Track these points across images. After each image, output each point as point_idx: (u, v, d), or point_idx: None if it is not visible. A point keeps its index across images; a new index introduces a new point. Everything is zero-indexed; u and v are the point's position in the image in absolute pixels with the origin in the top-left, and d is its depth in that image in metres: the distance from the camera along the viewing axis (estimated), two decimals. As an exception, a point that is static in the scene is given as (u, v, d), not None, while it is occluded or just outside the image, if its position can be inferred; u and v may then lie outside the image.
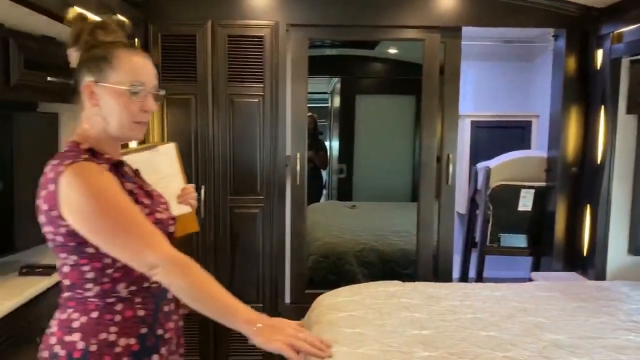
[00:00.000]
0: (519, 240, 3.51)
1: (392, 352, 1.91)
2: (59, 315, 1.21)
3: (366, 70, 5.48)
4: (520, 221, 3.47)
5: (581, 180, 3.09)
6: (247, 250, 3.10)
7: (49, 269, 2.26)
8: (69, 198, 1.09)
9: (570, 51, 3.07)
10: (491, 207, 3.51)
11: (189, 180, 1.63)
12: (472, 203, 3.83)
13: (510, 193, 3.44)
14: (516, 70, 4.22)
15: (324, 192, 5.96)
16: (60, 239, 1.13)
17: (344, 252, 3.66)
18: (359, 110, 5.41)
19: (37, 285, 2.11)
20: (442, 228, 3.23)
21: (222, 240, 3.08)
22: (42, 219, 1.15)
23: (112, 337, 1.16)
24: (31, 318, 2.11)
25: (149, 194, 1.28)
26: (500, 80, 4.22)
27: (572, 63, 3.07)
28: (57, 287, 2.29)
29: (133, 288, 1.18)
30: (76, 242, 1.13)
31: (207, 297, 1.09)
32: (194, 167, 2.99)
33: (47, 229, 1.15)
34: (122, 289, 1.17)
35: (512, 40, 3.96)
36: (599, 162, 2.93)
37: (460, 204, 3.88)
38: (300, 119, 3.11)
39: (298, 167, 3.10)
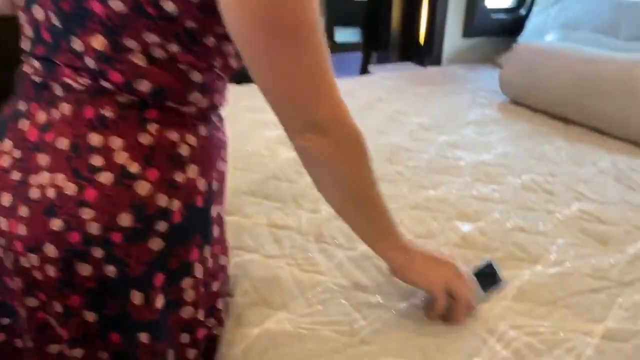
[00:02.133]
0: (354, 35, 3.27)
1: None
2: (126, 139, 0.63)
3: None
4: (355, 13, 3.19)
5: (420, -39, 2.84)
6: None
7: None
8: None
9: None
10: (325, -3, 3.12)
11: None
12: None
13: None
14: None
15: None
16: (172, 7, 0.58)
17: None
18: None
19: None
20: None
21: None
22: None
23: (223, 167, 0.75)
24: None
25: None
26: None
27: None
28: None
29: (224, 102, 0.75)
30: (200, 23, 0.60)
31: (370, 204, 0.74)
32: None
33: None
34: (223, 102, 0.74)
35: None
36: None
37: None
38: None
39: None
